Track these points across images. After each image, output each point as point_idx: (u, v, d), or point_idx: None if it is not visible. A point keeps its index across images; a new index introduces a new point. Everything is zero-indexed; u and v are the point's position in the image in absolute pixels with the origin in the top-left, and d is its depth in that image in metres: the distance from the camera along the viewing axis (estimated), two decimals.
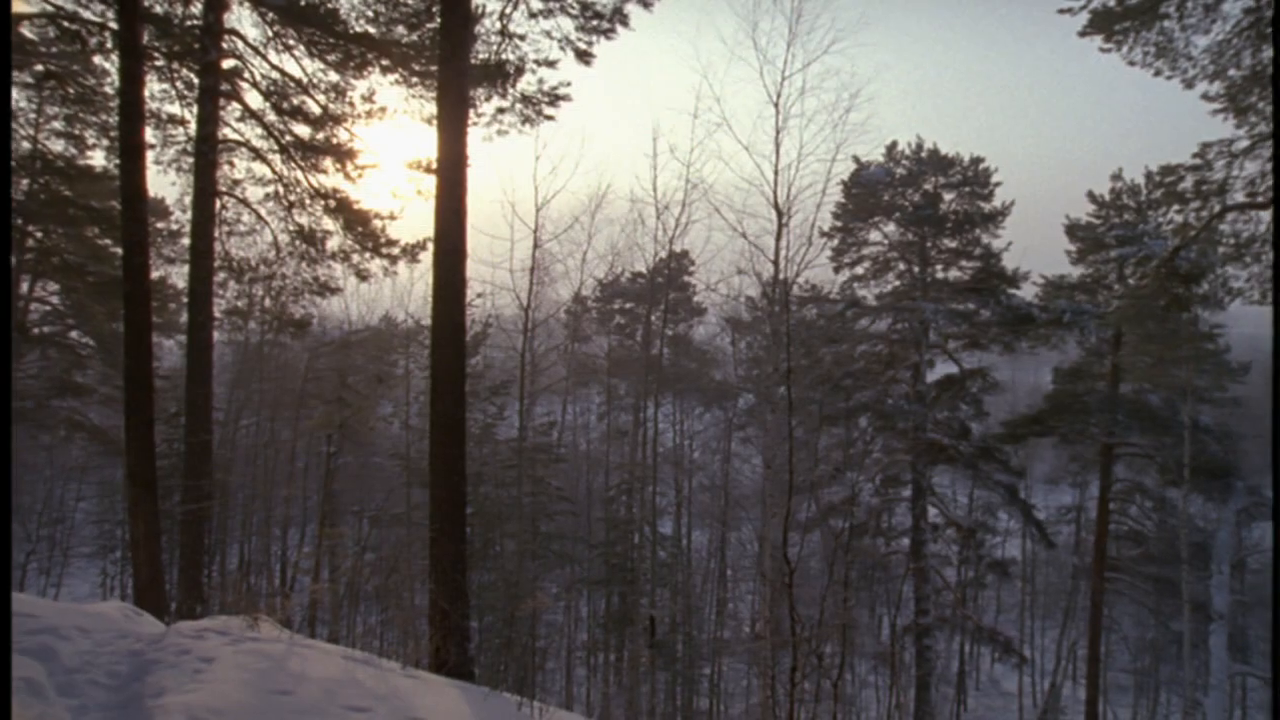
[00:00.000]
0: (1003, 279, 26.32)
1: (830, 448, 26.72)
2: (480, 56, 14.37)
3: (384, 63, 14.80)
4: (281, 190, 15.91)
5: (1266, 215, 19.07)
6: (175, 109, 15.23)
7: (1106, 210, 27.40)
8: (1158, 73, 18.70)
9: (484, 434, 27.26)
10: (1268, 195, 18.67)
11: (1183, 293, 24.18)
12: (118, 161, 12.75)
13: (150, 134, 15.03)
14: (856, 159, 25.05)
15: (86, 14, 13.19)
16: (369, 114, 15.47)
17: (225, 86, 14.75)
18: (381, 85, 15.28)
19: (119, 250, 14.18)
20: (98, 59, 14.95)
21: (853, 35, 40.16)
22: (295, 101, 15.28)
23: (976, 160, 26.75)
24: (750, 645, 23.43)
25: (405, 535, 23.50)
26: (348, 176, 15.81)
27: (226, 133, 15.19)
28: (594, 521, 28.93)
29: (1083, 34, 18.61)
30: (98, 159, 18.55)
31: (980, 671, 39.15)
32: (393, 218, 16.15)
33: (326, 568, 24.26)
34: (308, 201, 15.96)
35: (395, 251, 16.41)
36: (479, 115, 14.64)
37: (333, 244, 16.43)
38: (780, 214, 15.50)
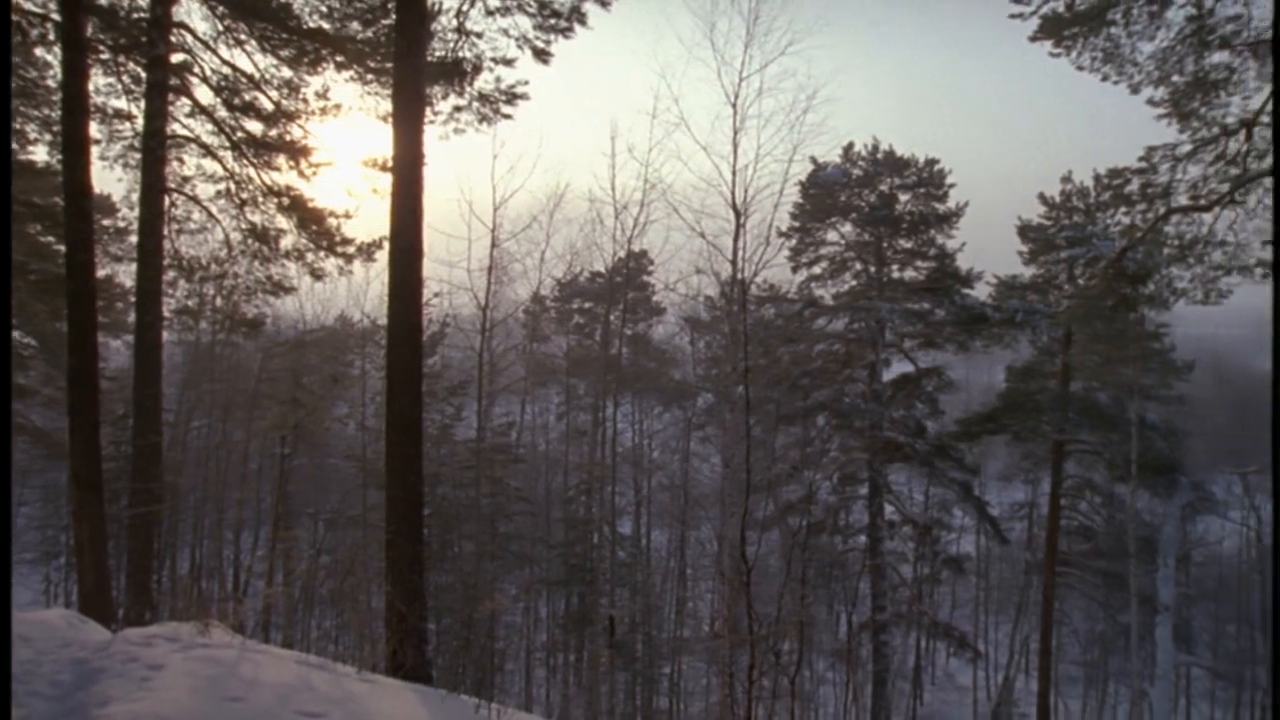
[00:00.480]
0: (957, 279, 26.74)
1: (788, 446, 26.93)
2: (437, 54, 14.25)
3: (338, 59, 14.59)
4: (233, 187, 15.60)
5: (1208, 217, 19.58)
6: (121, 103, 14.87)
7: (1057, 212, 27.96)
8: (1105, 78, 19.12)
9: (441, 434, 27.03)
10: (1210, 198, 19.18)
11: (1130, 293, 24.75)
12: (60, 157, 12.41)
13: (95, 129, 14.65)
14: (814, 160, 25.27)
15: (27, 4, 12.83)
16: (323, 111, 15.23)
17: (174, 81, 14.43)
18: (336, 82, 15.06)
19: (62, 248, 13.81)
20: (40, 51, 14.53)
21: (810, 37, 40.33)
22: (247, 97, 15.00)
23: (931, 162, 27.15)
24: (709, 644, 23.53)
25: (361, 537, 23.22)
26: (301, 174, 15.56)
27: (175, 128, 14.87)
28: (553, 522, 28.84)
29: (1033, 39, 18.98)
30: (40, 154, 18.05)
31: (936, 666, 39.73)
32: (348, 216, 15.92)
33: (281, 571, 23.88)
34: (260, 199, 15.68)
35: (350, 250, 16.18)
36: (435, 113, 14.51)
37: (286, 242, 16.16)
38: (738, 214, 15.57)
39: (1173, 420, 28.05)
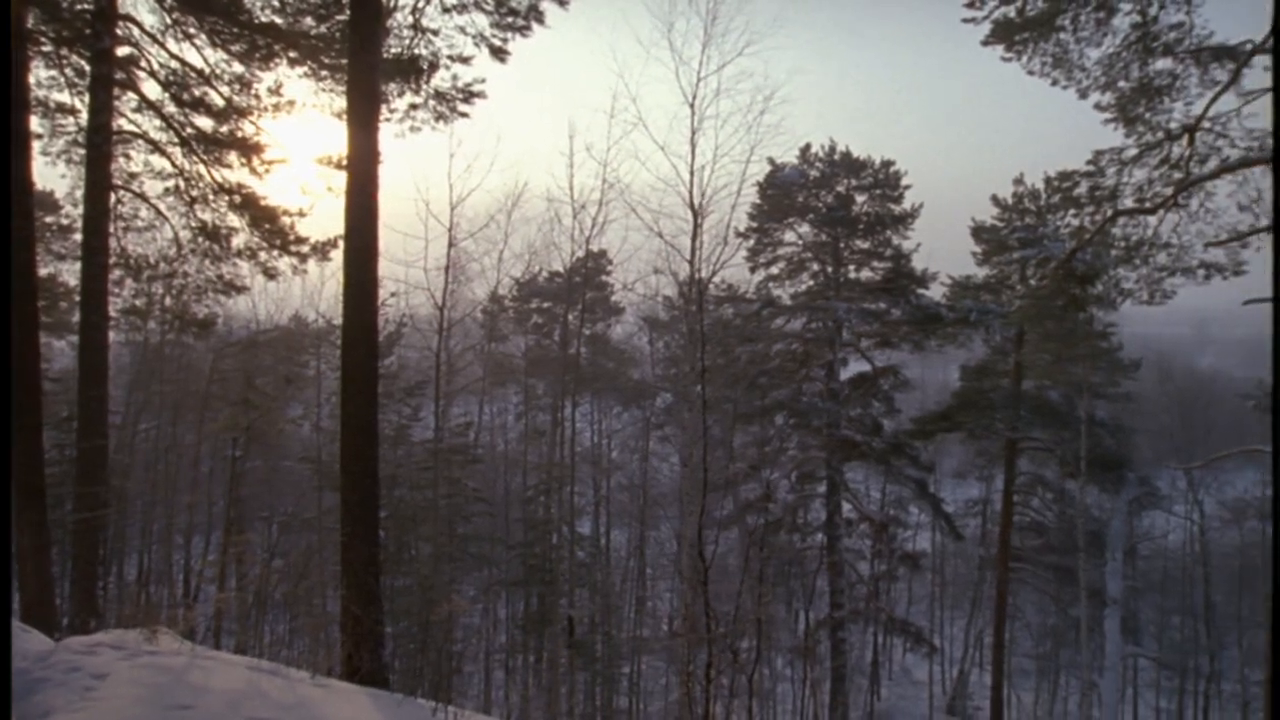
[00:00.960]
0: (912, 279, 27.10)
1: (746, 445, 27.09)
2: (392, 51, 14.11)
3: (292, 55, 14.36)
4: (182, 184, 15.28)
5: (1153, 220, 20.08)
6: (65, 97, 14.48)
7: (1009, 213, 28.46)
8: (1055, 82, 19.53)
9: (398, 435, 26.75)
10: (1154, 201, 19.66)
11: (1079, 293, 25.29)
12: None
13: (37, 123, 14.28)
14: (771, 160, 25.39)
15: None
16: (276, 107, 14.97)
17: (120, 75, 14.08)
18: (290, 78, 14.81)
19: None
20: None
21: (767, 38, 40.67)
22: (197, 93, 14.69)
23: (887, 163, 27.48)
24: (668, 643, 23.60)
25: (316, 540, 22.89)
26: (254, 171, 15.27)
27: (122, 124, 14.52)
28: (512, 522, 28.68)
29: (985, 43, 19.31)
30: None
31: (893, 662, 40.24)
32: (302, 214, 15.67)
33: (233, 576, 23.45)
34: (211, 197, 15.37)
35: (305, 249, 15.92)
36: (391, 111, 14.36)
37: (238, 241, 15.86)
38: (696, 214, 15.62)
39: (1120, 417, 28.74)
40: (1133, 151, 19.93)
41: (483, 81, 14.63)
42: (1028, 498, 29.73)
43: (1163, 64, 18.63)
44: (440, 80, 14.26)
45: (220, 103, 14.73)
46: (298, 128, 15.69)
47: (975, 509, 35.77)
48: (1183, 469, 31.53)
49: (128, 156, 15.08)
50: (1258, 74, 18.18)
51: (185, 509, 25.54)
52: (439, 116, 14.70)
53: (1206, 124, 18.83)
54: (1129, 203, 20.65)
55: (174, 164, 15.08)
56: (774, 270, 28.23)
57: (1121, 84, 18.97)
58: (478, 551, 27.32)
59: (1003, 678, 27.45)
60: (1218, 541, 34.66)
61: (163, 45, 14.21)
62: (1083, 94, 19.60)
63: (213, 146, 14.98)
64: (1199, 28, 18.07)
